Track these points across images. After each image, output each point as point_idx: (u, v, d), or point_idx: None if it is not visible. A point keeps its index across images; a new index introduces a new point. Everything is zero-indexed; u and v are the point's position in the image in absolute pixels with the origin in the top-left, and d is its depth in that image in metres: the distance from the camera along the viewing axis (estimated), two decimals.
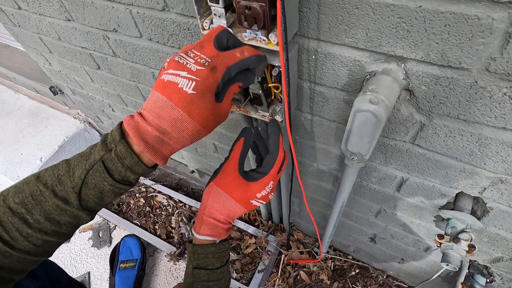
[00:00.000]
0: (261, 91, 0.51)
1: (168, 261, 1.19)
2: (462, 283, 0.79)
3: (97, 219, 1.45)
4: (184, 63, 0.36)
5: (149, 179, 1.44)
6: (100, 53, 0.89)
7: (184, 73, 0.36)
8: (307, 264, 1.17)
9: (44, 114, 1.64)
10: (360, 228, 0.95)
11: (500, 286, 0.78)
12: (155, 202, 1.37)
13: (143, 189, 1.42)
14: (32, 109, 1.69)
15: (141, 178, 1.45)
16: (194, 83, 0.36)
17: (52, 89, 1.39)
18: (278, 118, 0.55)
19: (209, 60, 0.37)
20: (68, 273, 1.02)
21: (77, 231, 1.43)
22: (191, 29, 0.61)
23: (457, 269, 0.58)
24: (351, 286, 1.12)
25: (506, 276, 0.74)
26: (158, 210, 1.35)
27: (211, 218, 0.49)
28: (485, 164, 0.50)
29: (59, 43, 0.99)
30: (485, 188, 0.55)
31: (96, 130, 1.64)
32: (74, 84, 1.24)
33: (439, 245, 0.61)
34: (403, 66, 0.44)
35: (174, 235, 1.23)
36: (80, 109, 1.54)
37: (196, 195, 1.47)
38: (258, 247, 1.16)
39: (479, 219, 0.62)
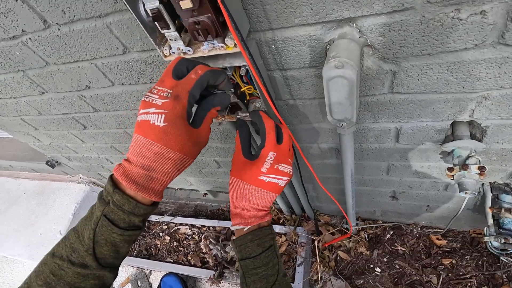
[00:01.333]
0: (237, 99, 0.54)
1: (210, 286, 1.20)
2: (490, 208, 0.81)
3: (131, 270, 1.46)
4: (150, 101, 0.40)
5: (167, 216, 1.46)
6: (81, 113, 0.92)
7: (152, 110, 0.39)
8: (342, 243, 1.17)
9: (49, 189, 1.67)
10: (378, 190, 0.96)
11: None
12: (180, 235, 1.39)
13: (165, 227, 1.44)
14: (36, 189, 1.71)
15: (156, 218, 1.46)
16: (163, 115, 0.38)
17: (49, 163, 1.42)
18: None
19: (171, 91, 0.40)
20: None
21: (116, 287, 1.44)
22: (156, 61, 0.63)
23: (477, 194, 0.59)
24: (390, 249, 1.13)
25: None
26: (185, 242, 1.36)
27: (235, 208, 0.50)
28: (463, 87, 0.52)
29: (41, 118, 1.02)
30: (473, 110, 0.56)
31: (102, 188, 1.67)
32: (68, 151, 1.27)
33: (452, 178, 0.62)
34: (355, 26, 0.46)
35: (208, 259, 1.23)
36: (81, 173, 1.57)
37: (216, 216, 1.49)
38: (290, 242, 1.17)
39: (480, 140, 0.63)
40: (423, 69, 0.50)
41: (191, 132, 0.41)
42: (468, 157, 0.60)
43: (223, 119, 0.60)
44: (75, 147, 1.21)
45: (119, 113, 0.87)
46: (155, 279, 1.39)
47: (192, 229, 1.37)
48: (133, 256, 1.39)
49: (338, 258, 1.17)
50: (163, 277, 1.29)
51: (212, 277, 1.16)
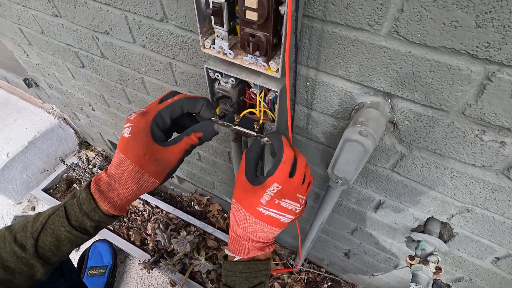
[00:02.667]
0: (236, 126, 0.52)
1: (141, 269, 1.16)
2: None
3: None
4: (130, 117, 0.43)
5: None
6: (87, 52, 0.87)
7: (127, 125, 0.42)
8: (282, 276, 1.18)
9: (14, 106, 1.55)
10: (336, 243, 0.99)
11: None
12: (130, 207, 1.33)
13: None
14: (1, 100, 1.58)
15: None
16: (130, 128, 0.41)
17: (27, 81, 1.32)
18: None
19: (145, 110, 0.43)
20: None
21: None
22: (188, 42, 0.61)
23: None
24: None
25: None
26: (133, 215, 1.31)
27: (233, 231, 0.47)
28: (454, 194, 0.55)
29: (41, 37, 0.94)
30: (453, 215, 0.59)
31: (72, 128, 1.57)
32: (53, 79, 1.19)
33: (409, 266, 0.65)
34: (389, 101, 0.47)
35: (149, 242, 1.19)
36: (55, 104, 1.47)
37: (174, 201, 1.45)
38: None
39: (445, 242, 0.67)
40: (429, 164, 0.52)
41: (153, 148, 0.42)
42: (431, 253, 0.63)
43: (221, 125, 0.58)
44: (63, 79, 1.13)
45: (126, 70, 0.83)
46: None
47: (145, 206, 1.33)
48: None
49: (273, 287, 1.18)
50: (95, 241, 1.23)
51: (146, 261, 1.12)
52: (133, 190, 0.42)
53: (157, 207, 1.32)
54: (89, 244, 1.25)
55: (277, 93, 0.48)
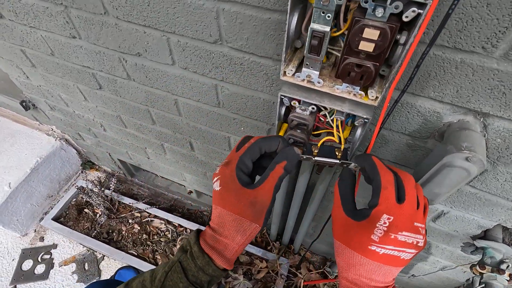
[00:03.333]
0: (338, 160, 0.50)
1: None
2: None
3: (80, 248, 1.30)
4: (216, 171, 0.45)
5: (143, 202, 1.32)
6: (108, 74, 0.79)
7: (215, 179, 0.44)
8: (318, 285, 1.17)
9: (7, 129, 1.42)
10: None
11: None
12: (152, 228, 1.27)
13: (137, 214, 1.30)
14: None
15: (129, 201, 1.32)
16: (219, 181, 0.43)
17: (24, 103, 1.21)
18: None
19: (227, 160, 0.44)
20: None
21: (57, 264, 1.26)
22: (244, 65, 0.56)
23: None
24: None
25: None
26: (156, 237, 1.24)
27: (343, 279, 0.40)
28: None
29: (50, 59, 0.85)
30: None
31: (74, 148, 1.46)
32: (57, 100, 1.09)
33: (479, 274, 0.65)
34: (482, 119, 0.46)
35: None
36: (55, 125, 1.36)
37: (194, 217, 1.40)
38: (270, 271, 1.13)
39: (509, 246, 0.67)
40: None
41: (244, 193, 0.41)
42: (502, 261, 0.63)
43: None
44: (71, 100, 1.04)
45: (156, 92, 0.76)
46: (106, 267, 1.25)
47: (168, 225, 1.27)
48: (90, 236, 1.23)
49: None
50: (120, 269, 1.16)
51: None
52: (238, 240, 0.42)
53: (180, 226, 1.27)
54: (113, 273, 1.18)
55: (367, 120, 0.45)
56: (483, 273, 0.64)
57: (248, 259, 1.17)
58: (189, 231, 1.24)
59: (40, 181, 1.34)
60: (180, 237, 1.20)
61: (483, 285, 0.70)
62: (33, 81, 1.04)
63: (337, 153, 0.50)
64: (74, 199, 1.37)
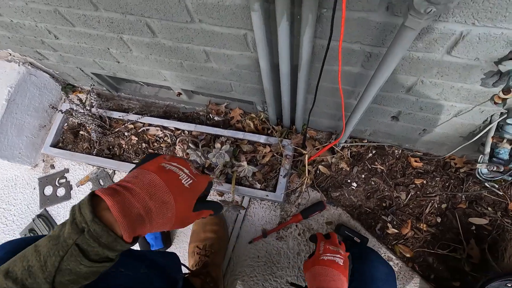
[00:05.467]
0: None
1: None
2: (492, 137, 0.80)
3: (91, 169, 1.33)
4: (189, 166, 0.48)
5: (133, 113, 1.26)
6: None
7: (187, 171, 0.46)
8: (325, 158, 1.16)
9: None
10: (384, 108, 0.89)
11: None
12: (149, 137, 1.23)
13: (131, 126, 1.25)
14: None
15: (119, 115, 1.26)
16: (191, 181, 0.45)
17: None
18: None
19: (197, 173, 0.48)
20: None
21: (75, 185, 1.31)
22: None
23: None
24: (370, 167, 1.15)
25: None
26: (156, 144, 1.22)
27: None
28: None
29: None
30: None
31: (44, 72, 1.33)
32: None
33: (502, 101, 0.55)
34: None
35: None
36: (10, 48, 1.20)
37: (191, 118, 1.34)
38: (275, 154, 1.11)
39: None
40: None
41: (189, 210, 0.45)
42: None
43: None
44: None
45: None
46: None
47: (164, 131, 1.22)
48: (93, 155, 1.23)
49: (318, 171, 1.17)
50: None
51: None
52: (153, 231, 0.42)
53: (177, 129, 1.22)
54: None
55: None
56: (506, 99, 0.54)
57: (251, 147, 1.14)
58: (186, 132, 1.20)
59: (24, 111, 1.27)
60: (178, 139, 1.17)
61: (505, 115, 0.61)
62: None
63: None
64: (66, 124, 1.33)
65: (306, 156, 1.05)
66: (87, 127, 1.27)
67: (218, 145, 1.04)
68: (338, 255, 0.64)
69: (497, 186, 1.00)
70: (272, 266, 1.10)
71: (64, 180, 1.33)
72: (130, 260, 0.63)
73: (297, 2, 0.55)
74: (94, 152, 1.23)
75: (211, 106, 1.28)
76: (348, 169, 1.15)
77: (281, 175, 1.07)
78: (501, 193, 1.03)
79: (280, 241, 1.12)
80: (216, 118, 1.29)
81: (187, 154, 1.09)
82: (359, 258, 0.75)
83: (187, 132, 1.21)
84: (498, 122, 0.78)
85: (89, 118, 1.20)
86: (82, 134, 1.30)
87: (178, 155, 1.17)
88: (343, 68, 0.73)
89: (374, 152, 1.17)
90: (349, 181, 1.15)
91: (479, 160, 0.81)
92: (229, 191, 1.08)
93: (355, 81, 0.78)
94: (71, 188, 1.32)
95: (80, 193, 1.31)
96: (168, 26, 0.74)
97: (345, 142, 1.14)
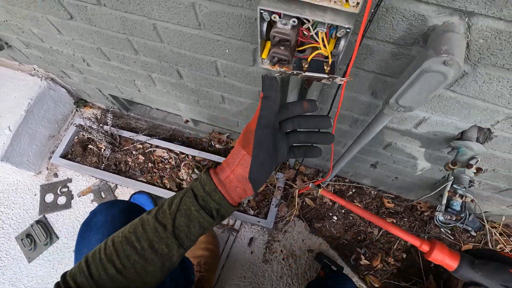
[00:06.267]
0: (327, 75, 0.49)
1: None
2: (448, 191, 0.98)
3: (94, 181, 1.41)
4: None
5: (142, 134, 1.37)
6: (76, 0, 0.73)
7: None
8: (311, 192, 1.31)
9: None
10: (365, 158, 1.07)
11: (475, 190, 0.98)
12: (155, 157, 1.35)
13: (139, 146, 1.37)
14: None
15: (129, 134, 1.37)
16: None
17: None
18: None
19: None
20: None
21: (76, 195, 1.39)
22: None
23: (466, 187, 0.72)
24: None
25: (483, 182, 0.93)
26: (161, 164, 1.34)
27: None
28: (508, 103, 0.57)
29: None
30: (498, 121, 0.64)
31: (62, 87, 1.44)
32: (30, 36, 1.02)
33: (450, 170, 0.73)
34: (467, 19, 0.44)
35: (185, 185, 1.26)
36: (36, 64, 1.30)
37: (194, 144, 1.47)
38: (268, 185, 1.25)
39: (482, 144, 0.73)
40: (491, 80, 0.53)
41: (247, 127, 0.47)
42: (472, 157, 0.70)
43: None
44: (45, 35, 0.98)
45: (131, 17, 0.71)
46: (121, 194, 1.38)
47: (170, 153, 1.34)
48: (100, 169, 1.32)
49: (304, 203, 1.32)
50: (133, 194, 1.29)
51: None
52: (234, 168, 0.44)
53: (182, 153, 1.34)
54: (128, 198, 1.31)
55: (349, 30, 0.44)
56: (454, 169, 0.72)
57: None
58: (190, 157, 1.33)
59: (38, 122, 1.36)
60: (183, 162, 1.29)
61: (453, 179, 0.79)
62: None
63: (325, 67, 0.51)
64: (76, 137, 1.42)
65: (297, 190, 1.20)
66: (97, 143, 1.37)
67: None
68: None
69: (450, 233, 1.19)
70: (256, 287, 1.21)
71: (66, 189, 1.40)
72: None
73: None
74: (102, 166, 1.33)
75: (214, 134, 1.42)
76: (330, 204, 1.31)
77: (272, 205, 1.21)
78: (453, 238, 1.22)
79: (266, 264, 1.24)
80: (217, 146, 1.43)
81: (191, 177, 1.21)
82: (336, 283, 0.88)
83: (190, 157, 1.34)
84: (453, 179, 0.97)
85: (102, 135, 1.30)
86: (90, 148, 1.39)
87: (183, 178, 1.28)
88: (337, 125, 0.91)
89: (354, 190, 1.34)
90: (330, 214, 1.31)
91: (437, 209, 0.99)
92: None
93: (344, 135, 0.95)
94: (72, 198, 1.39)
95: (80, 203, 1.38)
96: (196, 75, 0.89)
97: (330, 180, 1.30)
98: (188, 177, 1.25)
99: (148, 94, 1.18)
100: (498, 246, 1.15)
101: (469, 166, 0.68)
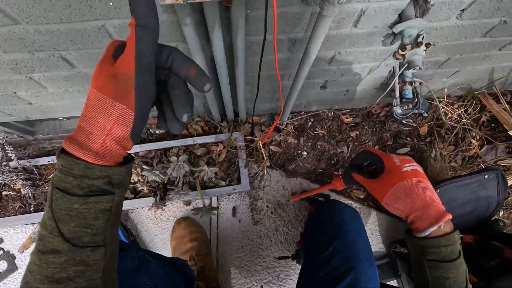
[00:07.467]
0: None
1: (155, 212, 1.11)
2: (398, 83, 0.99)
3: (30, 228, 1.16)
4: None
5: None
6: None
7: None
8: (273, 138, 1.25)
9: None
10: (313, 81, 1.00)
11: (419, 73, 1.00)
12: None
13: None
14: None
15: (48, 160, 1.12)
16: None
17: None
18: None
19: None
20: None
21: (18, 252, 1.14)
22: None
23: (421, 68, 0.69)
24: (312, 134, 1.29)
25: (425, 61, 0.94)
26: None
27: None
28: None
29: None
30: None
31: None
32: None
33: (402, 57, 0.69)
34: None
35: (141, 187, 1.09)
36: None
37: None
38: (229, 149, 1.15)
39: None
40: None
41: (106, 64, 0.33)
42: (418, 35, 0.66)
43: None
44: None
45: None
46: None
47: None
48: (31, 212, 1.08)
49: (271, 152, 1.26)
50: None
51: (154, 204, 1.06)
52: (102, 124, 0.32)
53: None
54: None
55: None
56: (404, 54, 0.68)
57: (205, 149, 1.16)
58: (133, 155, 1.14)
59: None
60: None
61: (405, 66, 0.77)
62: None
63: None
64: None
65: (259, 142, 1.12)
66: (12, 185, 1.09)
67: (174, 158, 1.03)
68: (415, 164, 0.57)
69: (411, 120, 1.24)
70: (257, 249, 1.17)
71: (1, 252, 1.14)
72: (156, 255, 0.71)
73: (224, 10, 0.58)
74: (32, 209, 1.08)
75: (149, 121, 1.23)
76: (295, 141, 1.27)
77: (241, 167, 1.13)
78: (414, 124, 1.29)
79: (257, 225, 1.19)
80: (158, 132, 1.25)
81: (143, 176, 1.05)
82: (328, 209, 0.85)
83: (133, 155, 1.15)
84: (400, 71, 0.97)
85: (12, 174, 1.03)
86: (6, 195, 1.11)
87: (135, 181, 1.11)
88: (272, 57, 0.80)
89: (312, 120, 1.30)
90: (299, 151, 1.27)
91: (393, 104, 1.00)
92: (197, 198, 1.09)
93: (286, 65, 0.86)
94: (14, 258, 1.14)
95: (27, 259, 1.14)
96: (89, 55, 0.69)
97: (287, 118, 1.24)
98: (139, 177, 1.08)
99: (43, 103, 0.92)
100: (448, 116, 1.24)
101: (419, 44, 0.65)
